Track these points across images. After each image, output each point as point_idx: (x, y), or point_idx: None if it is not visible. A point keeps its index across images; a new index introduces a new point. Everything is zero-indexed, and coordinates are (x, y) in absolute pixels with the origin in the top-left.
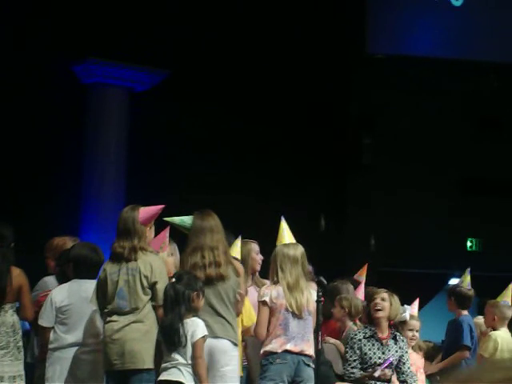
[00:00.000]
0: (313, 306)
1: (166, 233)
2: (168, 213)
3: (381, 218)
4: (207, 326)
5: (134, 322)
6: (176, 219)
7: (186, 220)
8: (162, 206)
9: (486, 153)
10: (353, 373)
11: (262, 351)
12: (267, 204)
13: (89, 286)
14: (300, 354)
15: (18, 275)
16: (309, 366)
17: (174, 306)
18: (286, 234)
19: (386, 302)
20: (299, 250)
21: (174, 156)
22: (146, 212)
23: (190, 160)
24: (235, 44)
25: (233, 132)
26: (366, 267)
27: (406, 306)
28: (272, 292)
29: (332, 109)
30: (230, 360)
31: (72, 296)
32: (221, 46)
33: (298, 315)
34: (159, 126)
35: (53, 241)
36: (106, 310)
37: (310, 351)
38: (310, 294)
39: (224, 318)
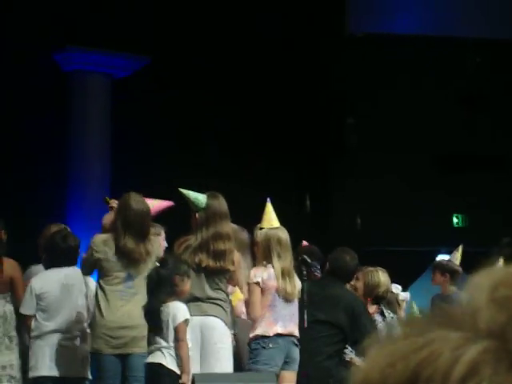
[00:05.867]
0: (298, 288)
1: (168, 204)
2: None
3: (366, 198)
4: (198, 305)
5: (134, 306)
6: (191, 195)
7: (200, 198)
8: (171, 203)
9: (469, 129)
10: (345, 353)
11: (251, 334)
12: (252, 187)
13: (68, 272)
14: (290, 335)
15: (10, 266)
16: (297, 345)
17: (156, 290)
18: (272, 217)
19: (359, 282)
20: (288, 235)
21: (157, 142)
22: (155, 209)
23: (173, 146)
24: (216, 29)
25: (215, 117)
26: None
27: (396, 285)
28: (264, 274)
29: (314, 90)
30: (222, 338)
31: (51, 283)
32: (202, 32)
33: (289, 299)
34: (142, 111)
35: (44, 229)
36: (104, 291)
37: (297, 332)
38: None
39: (216, 298)
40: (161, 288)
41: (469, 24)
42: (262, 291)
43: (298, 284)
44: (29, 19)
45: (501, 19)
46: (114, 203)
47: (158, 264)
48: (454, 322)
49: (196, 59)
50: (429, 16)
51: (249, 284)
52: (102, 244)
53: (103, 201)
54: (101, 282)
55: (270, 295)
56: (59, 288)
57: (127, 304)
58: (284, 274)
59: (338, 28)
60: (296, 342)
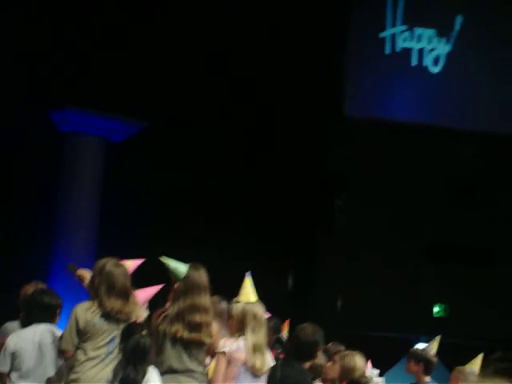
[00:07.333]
0: (269, 365)
1: (156, 290)
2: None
3: (349, 281)
4: (174, 377)
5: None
6: (172, 264)
7: (180, 268)
8: (142, 259)
9: (457, 220)
10: None
11: None
12: (235, 261)
13: (42, 329)
14: None
15: None
16: None
17: (137, 360)
18: (250, 291)
19: (335, 365)
20: (263, 310)
21: (145, 208)
22: (130, 269)
23: (160, 213)
24: (212, 98)
25: (206, 188)
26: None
27: (373, 370)
28: (233, 345)
29: (305, 168)
30: None
31: (24, 341)
32: (199, 100)
33: (256, 374)
34: (133, 176)
35: (23, 287)
36: (85, 355)
37: None
38: (267, 355)
39: (192, 370)
40: (143, 359)
41: (465, 115)
42: (228, 362)
43: (269, 361)
44: (28, 78)
45: (499, 114)
46: (83, 274)
47: (143, 332)
48: None
49: (190, 129)
50: (425, 105)
51: (216, 353)
52: (85, 311)
53: (68, 268)
54: (83, 345)
55: (236, 367)
56: (33, 347)
57: (105, 368)
58: (256, 348)
59: (335, 109)
60: None
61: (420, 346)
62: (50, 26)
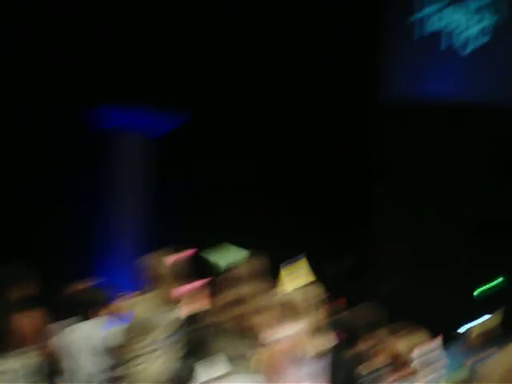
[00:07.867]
0: (320, 351)
1: (198, 284)
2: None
3: (396, 265)
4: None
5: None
6: (214, 257)
7: (223, 259)
8: (191, 250)
9: (504, 199)
10: None
11: None
12: (287, 248)
13: (86, 327)
14: None
15: (33, 318)
16: None
17: (197, 353)
18: (302, 274)
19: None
20: (315, 294)
21: (192, 200)
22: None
23: (207, 205)
24: (252, 86)
25: (247, 176)
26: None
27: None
28: (283, 332)
29: (344, 155)
30: None
31: (69, 339)
32: (238, 93)
33: (308, 360)
34: (177, 168)
35: (71, 284)
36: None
37: None
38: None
39: (239, 358)
40: (198, 352)
41: (503, 93)
42: (278, 351)
43: (321, 345)
44: (63, 75)
45: None
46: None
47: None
48: None
49: (233, 119)
50: (463, 84)
51: (265, 342)
52: (136, 307)
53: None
54: (133, 340)
55: (286, 356)
56: (78, 345)
57: (154, 364)
58: (307, 334)
59: (370, 96)
60: None
61: (474, 323)
62: (81, 25)
